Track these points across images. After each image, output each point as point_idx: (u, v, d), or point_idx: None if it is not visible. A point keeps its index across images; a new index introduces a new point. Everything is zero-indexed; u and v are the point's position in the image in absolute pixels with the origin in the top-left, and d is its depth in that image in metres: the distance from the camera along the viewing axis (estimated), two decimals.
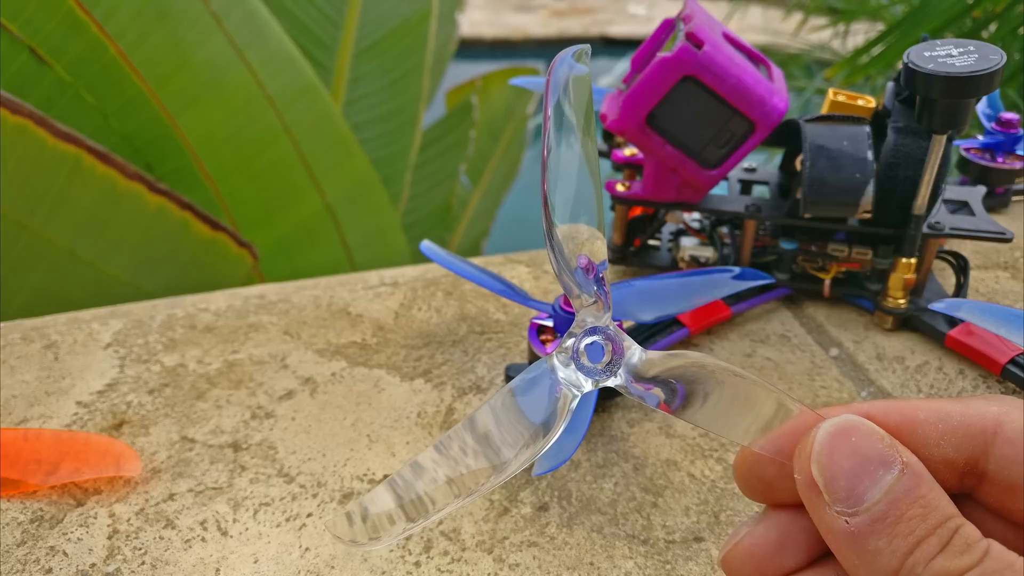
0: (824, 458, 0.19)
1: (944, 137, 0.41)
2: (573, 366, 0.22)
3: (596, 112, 0.48)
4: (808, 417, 0.20)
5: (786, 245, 0.48)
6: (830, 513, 0.18)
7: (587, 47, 0.24)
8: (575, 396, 0.22)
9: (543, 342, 0.39)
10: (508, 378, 0.42)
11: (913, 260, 0.45)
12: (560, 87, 0.23)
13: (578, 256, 0.22)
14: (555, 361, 0.22)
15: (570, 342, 0.22)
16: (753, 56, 0.45)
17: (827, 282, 0.48)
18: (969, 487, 0.20)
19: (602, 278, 0.22)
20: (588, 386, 0.22)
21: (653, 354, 0.22)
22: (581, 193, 0.22)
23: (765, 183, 0.52)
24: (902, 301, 0.46)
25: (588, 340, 0.22)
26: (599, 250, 0.22)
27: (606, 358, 0.22)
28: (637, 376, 0.22)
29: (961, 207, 0.48)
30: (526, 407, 0.22)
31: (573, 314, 0.23)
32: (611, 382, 0.22)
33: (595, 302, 0.22)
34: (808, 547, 0.20)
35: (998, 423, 0.19)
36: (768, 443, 0.20)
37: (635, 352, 0.22)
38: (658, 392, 0.21)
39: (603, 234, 0.23)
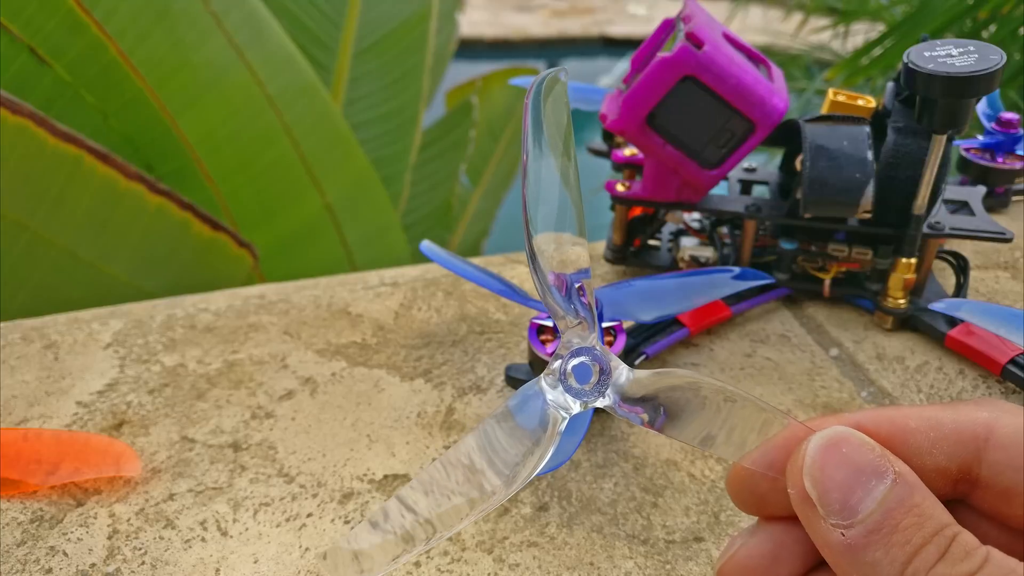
0: (816, 471, 0.19)
1: (944, 137, 0.41)
2: (561, 388, 0.22)
3: (596, 112, 0.48)
4: (798, 430, 0.20)
5: (786, 245, 0.48)
6: (825, 526, 0.18)
7: (565, 68, 0.24)
8: (564, 418, 0.22)
9: (543, 342, 0.39)
10: (508, 378, 0.42)
11: (913, 260, 0.45)
12: (538, 106, 0.23)
13: (549, 272, 0.22)
14: (543, 383, 0.22)
15: (557, 364, 0.22)
16: (753, 56, 0.45)
17: (827, 282, 0.48)
18: (963, 493, 0.20)
19: (582, 290, 0.22)
20: (577, 408, 0.22)
21: (641, 373, 0.22)
22: (562, 211, 0.22)
23: (765, 183, 0.52)
24: (902, 301, 0.46)
25: (575, 361, 0.22)
26: (580, 260, 0.22)
27: (593, 378, 0.22)
28: (625, 396, 0.22)
29: (961, 207, 0.48)
30: (519, 428, 0.22)
31: (557, 326, 0.23)
32: (599, 403, 0.22)
33: (579, 323, 0.22)
34: (803, 558, 0.20)
35: (989, 428, 0.19)
36: (759, 458, 0.20)
37: (622, 372, 0.22)
38: (644, 415, 0.21)
39: (585, 243, 0.23)
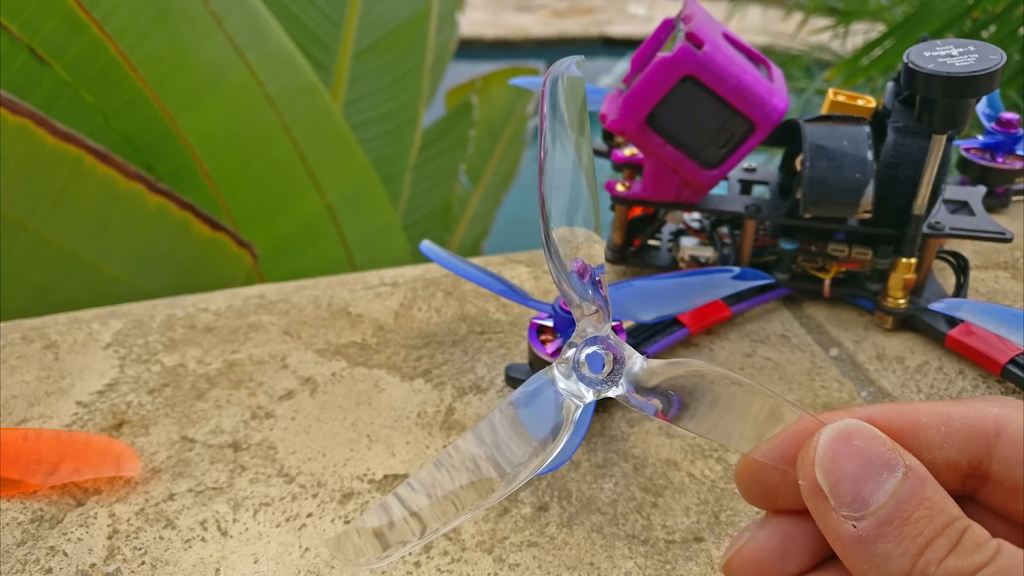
0: (828, 463, 0.19)
1: (944, 137, 0.41)
2: (574, 377, 0.22)
3: (596, 112, 0.48)
4: (809, 423, 0.20)
5: (786, 245, 0.48)
6: (836, 518, 0.18)
7: (582, 57, 0.24)
8: (578, 407, 0.22)
9: (543, 342, 0.39)
10: (508, 378, 0.42)
11: (913, 260, 0.45)
12: (556, 95, 0.23)
13: (572, 260, 0.22)
14: (556, 372, 0.22)
15: (571, 352, 0.22)
16: (753, 56, 0.45)
17: (827, 282, 0.48)
18: (971, 489, 0.20)
19: (599, 283, 0.22)
20: (589, 396, 0.22)
21: (654, 363, 0.22)
22: (577, 200, 0.22)
23: (765, 183, 0.52)
24: (902, 301, 0.46)
25: (588, 350, 0.22)
26: (596, 255, 0.22)
27: (607, 368, 0.22)
28: (638, 386, 0.22)
29: (961, 207, 0.48)
30: (528, 419, 0.22)
31: (572, 314, 0.23)
32: (612, 392, 0.22)
33: (596, 312, 0.22)
34: (811, 551, 0.20)
35: (1000, 425, 0.19)
36: (770, 450, 0.20)
37: (636, 361, 0.22)
38: (657, 403, 0.21)
39: (601, 238, 0.23)
